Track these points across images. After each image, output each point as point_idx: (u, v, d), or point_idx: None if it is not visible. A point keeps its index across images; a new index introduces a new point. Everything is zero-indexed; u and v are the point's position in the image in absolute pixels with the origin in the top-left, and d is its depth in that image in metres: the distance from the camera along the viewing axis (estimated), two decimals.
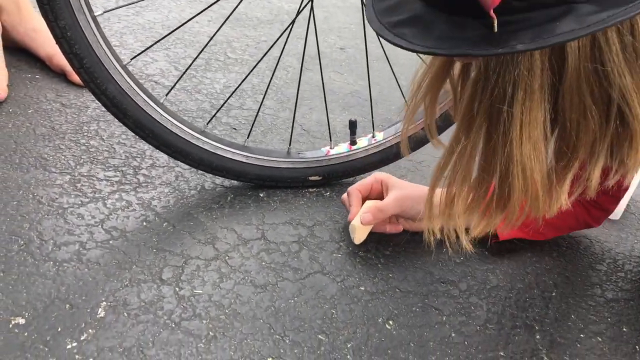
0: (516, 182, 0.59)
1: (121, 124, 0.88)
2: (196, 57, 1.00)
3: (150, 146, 1.10)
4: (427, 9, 0.55)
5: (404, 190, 0.98)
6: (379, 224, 0.99)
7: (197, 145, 0.96)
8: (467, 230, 0.72)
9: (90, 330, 0.72)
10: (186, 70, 1.01)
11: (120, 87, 0.86)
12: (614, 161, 0.62)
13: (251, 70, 1.04)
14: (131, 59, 0.90)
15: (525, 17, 0.49)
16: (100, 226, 0.89)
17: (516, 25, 0.49)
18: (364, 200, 1.00)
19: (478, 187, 0.65)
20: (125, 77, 0.86)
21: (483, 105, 0.58)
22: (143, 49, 0.96)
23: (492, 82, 0.56)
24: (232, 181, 1.07)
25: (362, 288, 0.89)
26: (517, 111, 0.55)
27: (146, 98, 0.90)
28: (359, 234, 0.95)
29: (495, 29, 0.48)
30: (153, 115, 0.91)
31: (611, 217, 1.20)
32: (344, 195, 1.03)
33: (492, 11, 0.47)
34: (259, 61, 1.05)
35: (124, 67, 0.86)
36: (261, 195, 1.06)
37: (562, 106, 0.56)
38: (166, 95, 0.98)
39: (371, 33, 0.70)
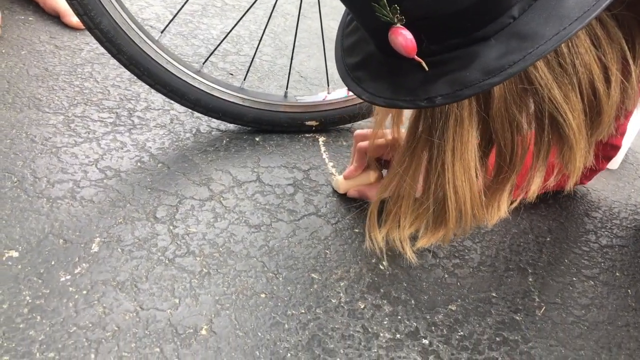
0: (449, 202, 0.65)
1: (116, 67, 0.87)
2: None
3: (145, 89, 1.09)
4: (376, 49, 0.61)
5: None
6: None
7: (193, 86, 0.95)
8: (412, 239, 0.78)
9: (83, 264, 0.72)
10: (181, 9, 0.99)
11: (115, 21, 0.84)
12: (556, 166, 0.67)
13: (244, 14, 1.02)
14: None
15: (444, 58, 0.54)
16: (94, 165, 0.88)
17: (441, 68, 0.54)
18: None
19: (418, 206, 0.71)
20: (120, 11, 0.85)
21: (423, 132, 0.64)
22: None
23: (428, 113, 0.62)
24: (228, 125, 1.06)
25: (357, 230, 0.89)
26: (449, 137, 0.60)
27: (141, 34, 0.88)
28: (336, 187, 0.96)
29: (427, 69, 0.55)
30: (148, 52, 0.89)
31: (609, 166, 1.19)
32: (357, 133, 0.94)
33: (415, 56, 0.54)
34: (252, 4, 1.03)
35: (119, 1, 0.84)
36: (257, 139, 1.05)
37: (494, 128, 0.60)
38: (162, 32, 0.96)
39: None
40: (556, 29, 0.49)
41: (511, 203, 0.72)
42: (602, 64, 0.58)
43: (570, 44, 0.55)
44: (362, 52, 0.64)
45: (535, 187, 0.69)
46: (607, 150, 1.00)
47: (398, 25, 0.53)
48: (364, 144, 0.91)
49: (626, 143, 1.21)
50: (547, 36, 0.49)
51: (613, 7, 0.57)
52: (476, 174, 0.64)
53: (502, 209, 0.70)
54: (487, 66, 0.52)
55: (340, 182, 0.94)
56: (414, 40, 0.53)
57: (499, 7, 0.51)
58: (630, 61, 0.59)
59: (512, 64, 0.50)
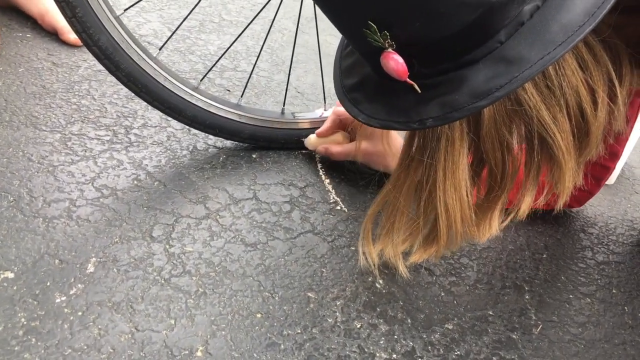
0: (440, 220, 0.66)
1: (113, 84, 0.87)
2: (188, 14, 0.98)
3: (142, 106, 1.10)
4: (372, 71, 0.62)
5: (374, 146, 1.01)
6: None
7: (191, 102, 0.95)
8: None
9: (79, 285, 0.72)
10: (179, 26, 0.99)
11: (113, 38, 0.85)
12: (547, 184, 0.68)
13: (243, 30, 1.03)
14: (125, 10, 0.89)
15: (435, 82, 0.55)
16: (90, 184, 0.88)
17: (433, 90, 0.55)
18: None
19: (411, 223, 0.72)
20: (119, 29, 0.85)
21: (416, 152, 0.65)
22: (137, 1, 0.95)
23: (420, 133, 0.63)
24: (225, 142, 1.07)
25: (353, 248, 0.89)
26: (440, 157, 0.62)
27: (139, 51, 0.88)
28: (307, 144, 1.07)
29: (419, 91, 0.56)
30: (146, 70, 0.89)
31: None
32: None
33: (407, 79, 0.55)
34: (251, 21, 1.04)
35: (117, 19, 0.85)
36: (254, 156, 1.05)
37: (485, 148, 0.62)
38: (160, 49, 0.96)
39: None
40: (541, 53, 0.51)
41: (502, 221, 0.72)
42: (589, 86, 0.59)
43: (557, 67, 0.57)
44: (359, 74, 0.66)
45: (526, 207, 0.70)
46: (598, 170, 1.00)
47: (389, 50, 0.54)
48: (340, 108, 1.02)
49: (622, 158, 1.21)
50: (533, 60, 0.51)
51: (600, 32, 0.58)
52: (467, 193, 0.65)
53: (494, 226, 0.71)
54: (475, 89, 0.53)
55: (312, 139, 1.06)
56: (405, 65, 0.54)
57: (487, 32, 0.52)
58: (616, 84, 0.61)
59: (498, 88, 0.52)
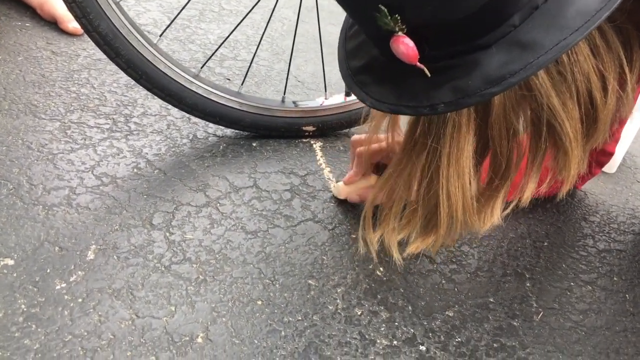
0: (441, 207, 0.64)
1: (112, 72, 0.87)
2: (187, 3, 0.98)
3: (141, 95, 1.09)
4: (379, 53, 0.61)
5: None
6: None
7: (191, 90, 0.95)
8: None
9: (79, 272, 0.72)
10: (178, 14, 0.98)
11: (113, 24, 0.84)
12: (550, 171, 0.67)
13: (242, 19, 1.02)
14: None
15: (447, 65, 0.54)
16: (90, 172, 0.88)
17: (444, 74, 0.54)
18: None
19: (410, 210, 0.70)
20: (118, 14, 0.84)
21: (420, 136, 0.64)
22: None
23: (426, 118, 0.62)
24: (225, 130, 1.06)
25: (354, 235, 0.89)
26: (446, 143, 0.60)
27: (140, 38, 0.88)
28: (337, 193, 0.96)
29: (429, 75, 0.54)
30: (146, 56, 0.89)
31: (606, 170, 1.19)
32: (354, 139, 0.94)
33: (417, 63, 0.54)
34: (250, 10, 1.03)
35: (117, 4, 0.84)
36: (254, 144, 1.05)
37: (492, 135, 0.60)
38: (159, 36, 0.96)
39: None
40: (557, 38, 0.49)
41: (504, 210, 0.71)
42: (600, 72, 0.58)
43: (569, 53, 0.55)
44: (366, 55, 0.64)
45: (529, 193, 0.69)
46: (600, 156, 0.99)
47: (399, 33, 0.53)
48: (362, 149, 0.89)
49: (623, 146, 1.21)
50: (548, 46, 0.49)
51: (613, 17, 0.57)
52: (470, 181, 0.63)
53: (495, 215, 0.70)
54: (488, 75, 0.52)
55: (340, 188, 0.94)
56: (415, 49, 0.53)
57: (500, 15, 0.51)
58: (627, 70, 0.60)
59: (512, 74, 0.50)
